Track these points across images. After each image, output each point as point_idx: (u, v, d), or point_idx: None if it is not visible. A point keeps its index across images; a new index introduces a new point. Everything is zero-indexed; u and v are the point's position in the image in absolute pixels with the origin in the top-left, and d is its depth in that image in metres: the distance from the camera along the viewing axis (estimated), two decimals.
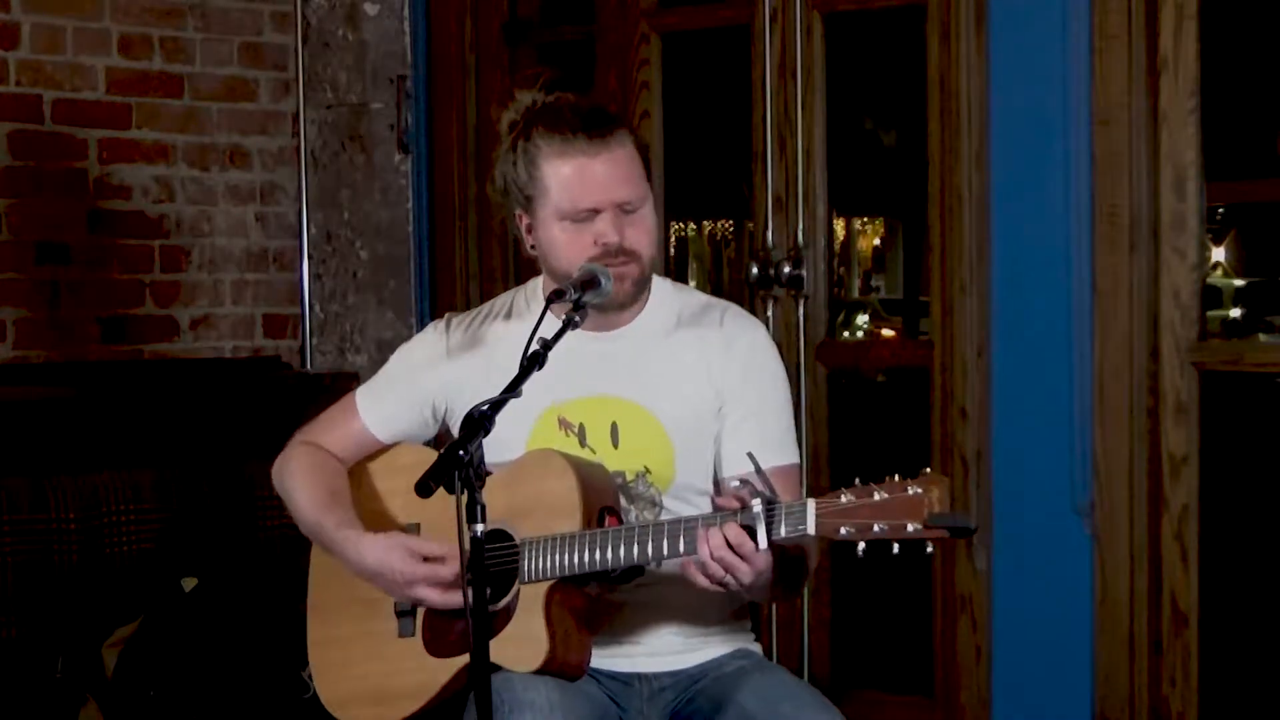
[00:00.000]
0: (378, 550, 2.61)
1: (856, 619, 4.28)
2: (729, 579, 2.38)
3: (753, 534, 2.33)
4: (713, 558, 2.36)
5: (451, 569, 2.55)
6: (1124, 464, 3.66)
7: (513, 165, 2.62)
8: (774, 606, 4.06)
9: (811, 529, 2.30)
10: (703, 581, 2.41)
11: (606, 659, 2.64)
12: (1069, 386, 3.71)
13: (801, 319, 4.15)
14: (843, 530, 2.27)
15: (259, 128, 4.83)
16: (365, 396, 2.81)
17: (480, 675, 2.27)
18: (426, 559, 2.58)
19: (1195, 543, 3.63)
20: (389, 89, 4.82)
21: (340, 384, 4.34)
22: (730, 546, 2.35)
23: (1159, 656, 3.66)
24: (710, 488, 2.68)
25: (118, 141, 4.54)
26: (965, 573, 3.84)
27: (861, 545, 2.26)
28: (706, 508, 2.67)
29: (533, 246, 2.67)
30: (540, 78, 2.69)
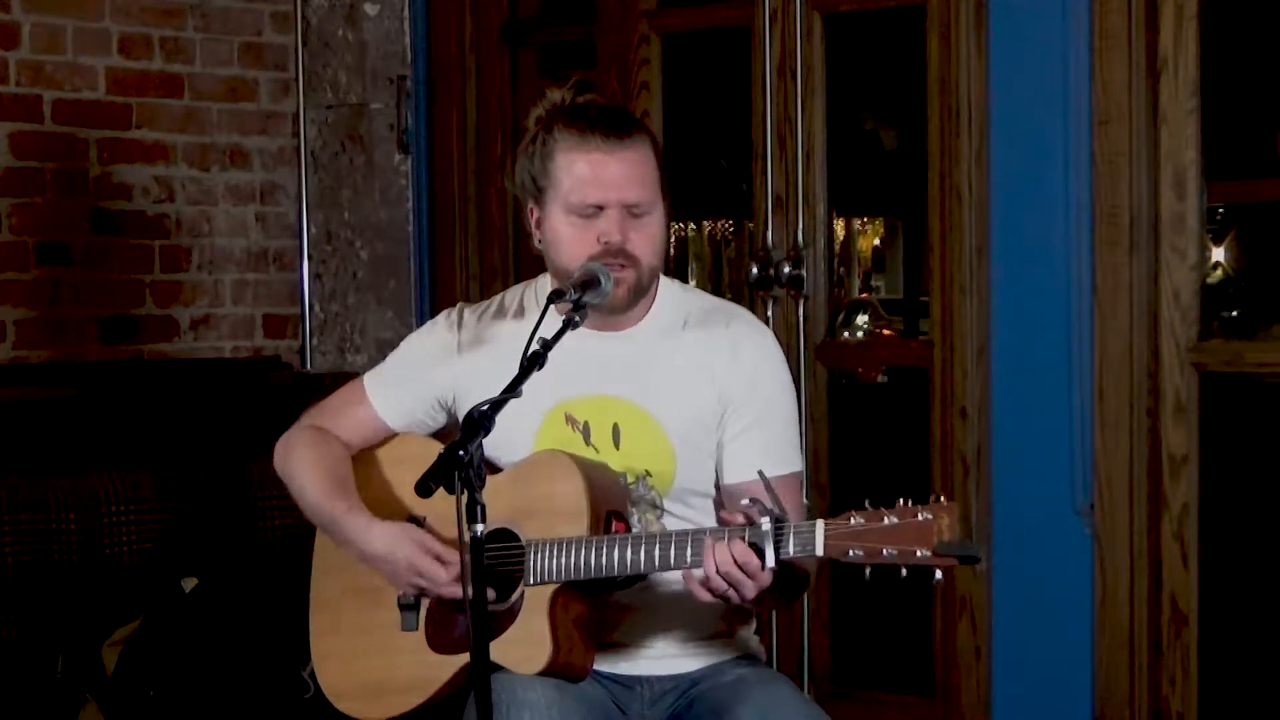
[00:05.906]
0: (387, 537, 2.62)
1: (856, 619, 4.27)
2: (731, 594, 2.38)
3: (760, 552, 2.33)
4: (718, 572, 2.37)
5: (453, 572, 2.56)
6: (1124, 464, 3.66)
7: (530, 157, 2.64)
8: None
9: (820, 550, 2.31)
10: (704, 595, 2.41)
11: (609, 661, 2.64)
12: (1069, 386, 3.71)
13: (801, 319, 4.15)
14: (851, 553, 2.28)
15: (259, 128, 4.83)
16: (375, 383, 2.80)
17: (480, 677, 2.27)
18: (432, 554, 2.58)
19: (1195, 543, 3.63)
20: (389, 89, 4.82)
21: (340, 384, 4.33)
22: (737, 564, 2.35)
23: (1159, 656, 3.66)
24: (712, 491, 2.68)
25: (118, 141, 4.54)
26: (965, 573, 3.83)
27: (868, 570, 2.27)
28: (707, 511, 2.67)
29: (539, 241, 2.68)
30: (573, 79, 2.71)
